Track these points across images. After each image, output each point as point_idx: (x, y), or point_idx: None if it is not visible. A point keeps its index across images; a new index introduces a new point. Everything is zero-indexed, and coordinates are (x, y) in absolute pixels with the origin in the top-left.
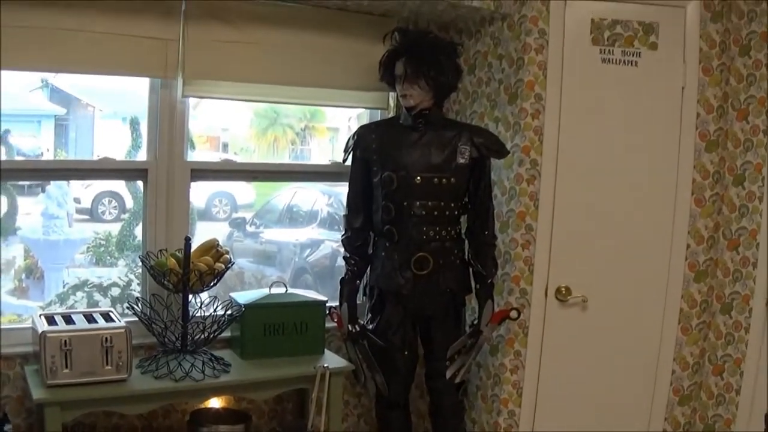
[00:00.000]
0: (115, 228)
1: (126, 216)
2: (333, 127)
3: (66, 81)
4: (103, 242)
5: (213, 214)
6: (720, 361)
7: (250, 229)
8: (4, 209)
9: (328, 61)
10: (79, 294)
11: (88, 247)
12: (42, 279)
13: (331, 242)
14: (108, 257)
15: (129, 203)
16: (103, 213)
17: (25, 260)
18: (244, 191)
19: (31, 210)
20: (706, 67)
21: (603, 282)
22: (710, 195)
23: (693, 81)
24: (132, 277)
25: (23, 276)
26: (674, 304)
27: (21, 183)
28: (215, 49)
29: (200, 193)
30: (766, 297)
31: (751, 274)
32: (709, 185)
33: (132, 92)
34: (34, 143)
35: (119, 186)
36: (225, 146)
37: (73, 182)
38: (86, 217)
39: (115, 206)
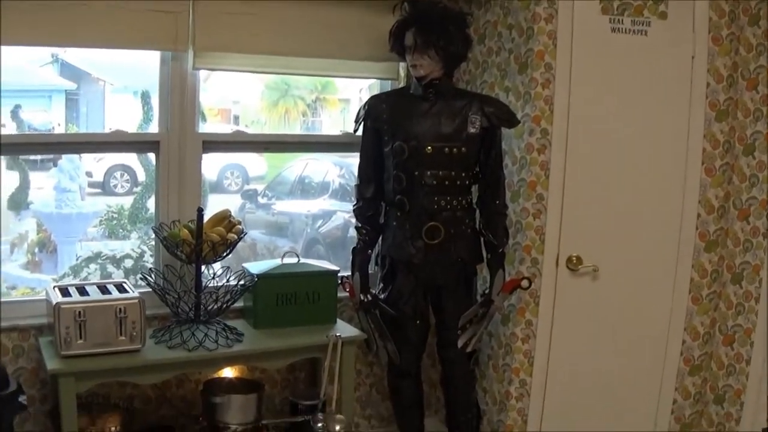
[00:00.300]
0: (127, 201)
1: (138, 189)
2: (344, 99)
3: (76, 56)
4: (115, 215)
5: (225, 186)
6: (730, 331)
7: (262, 200)
8: (17, 184)
9: (338, 32)
10: (93, 266)
11: (101, 221)
12: (55, 253)
13: (343, 213)
14: (120, 230)
15: (141, 176)
16: (115, 186)
17: (38, 234)
18: (255, 163)
19: (43, 184)
20: (716, 37)
21: (614, 251)
22: (720, 165)
23: (703, 50)
24: (145, 248)
25: (36, 250)
26: (685, 274)
27: (33, 158)
28: (225, 21)
29: (212, 165)
30: None
31: (761, 243)
32: (720, 155)
33: (142, 66)
34: (45, 118)
35: (131, 159)
36: (236, 119)
37: (85, 156)
38: (98, 190)
39: (127, 179)
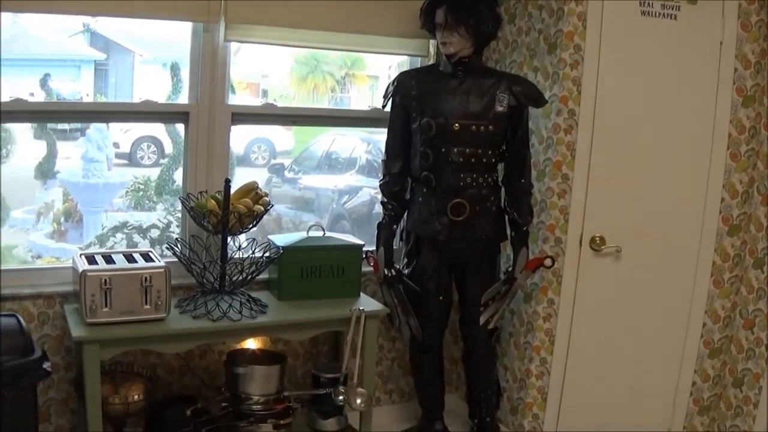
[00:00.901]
0: (154, 172)
1: (165, 161)
2: (373, 75)
3: (107, 26)
4: (141, 186)
5: (252, 160)
6: (751, 315)
7: (288, 175)
8: (44, 153)
9: (369, 8)
10: (119, 235)
11: (127, 191)
12: (80, 222)
13: (370, 189)
14: (146, 201)
15: (168, 148)
16: (142, 158)
17: (64, 204)
18: (283, 138)
19: (70, 154)
20: (745, 23)
21: (637, 233)
22: (746, 150)
23: (731, 36)
24: (171, 219)
25: (62, 219)
26: (707, 257)
27: (61, 127)
28: None
29: (239, 139)
30: None
31: None
32: (745, 140)
33: (172, 38)
34: (74, 88)
35: (158, 131)
36: (264, 93)
37: (112, 127)
38: (125, 161)
39: (154, 151)
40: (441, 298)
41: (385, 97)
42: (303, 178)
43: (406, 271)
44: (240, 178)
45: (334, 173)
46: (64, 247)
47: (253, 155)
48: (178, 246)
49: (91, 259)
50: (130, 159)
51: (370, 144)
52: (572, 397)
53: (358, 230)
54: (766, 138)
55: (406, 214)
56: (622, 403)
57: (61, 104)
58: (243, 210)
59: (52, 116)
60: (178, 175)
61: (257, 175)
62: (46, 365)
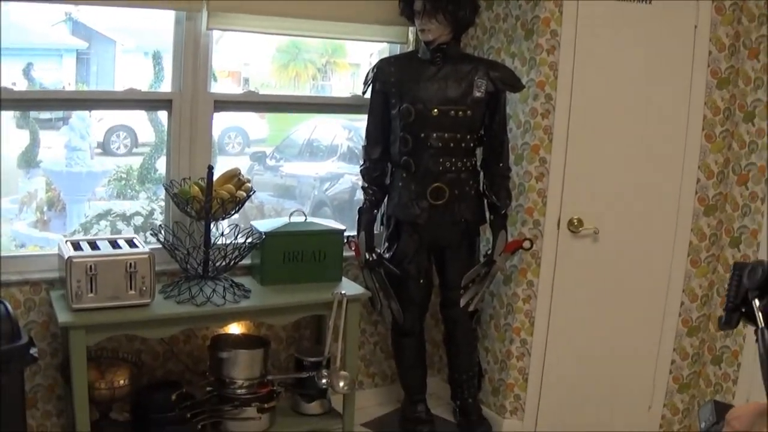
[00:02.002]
0: (136, 161)
1: (138, 150)
2: (354, 63)
3: (88, 15)
4: (124, 175)
5: (226, 148)
6: None
7: (270, 162)
8: (27, 142)
9: None
10: (103, 223)
11: (109, 180)
12: (64, 211)
13: (351, 176)
14: (129, 190)
15: (141, 137)
16: (117, 147)
17: (47, 193)
18: (256, 126)
19: (53, 143)
20: (719, 6)
21: (614, 214)
22: (720, 131)
23: (705, 20)
24: (154, 206)
25: (45, 208)
26: (684, 237)
27: (43, 117)
28: None
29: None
30: None
31: (759, 208)
32: (720, 121)
33: (154, 27)
34: (56, 77)
35: (132, 119)
36: (246, 81)
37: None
38: (99, 150)
39: (128, 140)
40: (421, 281)
41: (365, 83)
42: (285, 166)
43: (386, 255)
44: (217, 166)
45: (315, 160)
46: (48, 236)
47: (227, 143)
48: (162, 232)
49: (76, 246)
50: (104, 148)
51: (351, 131)
52: (553, 377)
53: (340, 217)
54: (741, 119)
55: (386, 198)
56: (602, 382)
57: (47, 92)
58: (226, 196)
59: (37, 104)
60: (161, 164)
61: (232, 163)
62: (33, 351)
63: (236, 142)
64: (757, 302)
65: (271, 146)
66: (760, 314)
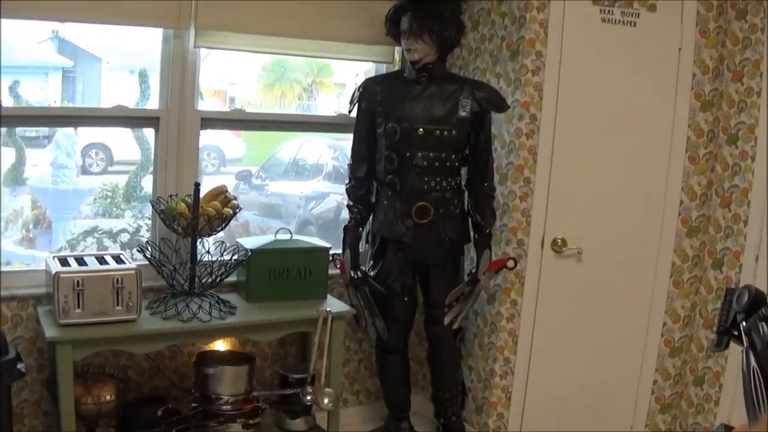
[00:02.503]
0: (121, 179)
1: (114, 168)
2: (340, 83)
3: (74, 34)
4: (109, 193)
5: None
6: (710, 315)
7: (255, 181)
8: (12, 160)
9: (335, 15)
10: (89, 240)
11: (95, 198)
12: (50, 229)
13: (336, 195)
14: (115, 208)
15: (117, 155)
16: (90, 165)
17: (32, 210)
18: (232, 145)
19: (39, 161)
20: (703, 29)
21: (598, 235)
22: (704, 153)
23: (690, 42)
24: (141, 223)
25: (31, 226)
26: (667, 258)
27: (29, 134)
28: (227, 1)
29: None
30: (756, 253)
31: (741, 230)
32: (703, 144)
33: (140, 45)
34: (42, 95)
35: (107, 137)
36: (232, 100)
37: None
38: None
39: (102, 158)
40: (406, 299)
41: (351, 102)
42: (270, 185)
43: (371, 273)
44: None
45: (301, 179)
46: (34, 254)
47: (203, 162)
48: (149, 248)
49: (63, 262)
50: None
51: (336, 150)
52: (536, 396)
53: (325, 236)
54: (724, 141)
55: (371, 217)
56: (585, 401)
57: (34, 109)
58: (212, 213)
59: (23, 121)
60: (146, 182)
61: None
62: (20, 366)
63: (212, 162)
64: (743, 324)
65: (248, 165)
66: (744, 335)
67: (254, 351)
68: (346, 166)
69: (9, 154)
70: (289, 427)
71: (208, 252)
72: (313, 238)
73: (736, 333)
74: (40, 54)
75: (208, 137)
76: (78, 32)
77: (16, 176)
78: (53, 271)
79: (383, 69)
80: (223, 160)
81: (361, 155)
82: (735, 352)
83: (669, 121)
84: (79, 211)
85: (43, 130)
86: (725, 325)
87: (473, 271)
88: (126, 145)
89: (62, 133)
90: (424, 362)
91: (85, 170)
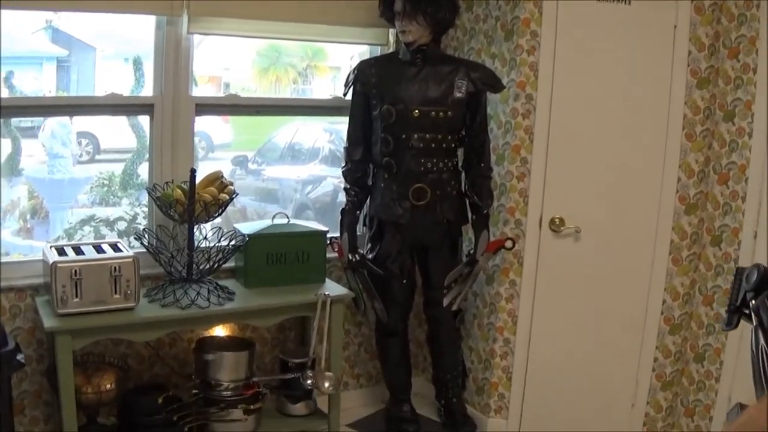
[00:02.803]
0: (118, 167)
1: (101, 157)
2: (335, 66)
3: (68, 23)
4: (106, 182)
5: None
6: (710, 292)
7: (252, 166)
8: (8, 150)
9: None
10: (87, 229)
11: (92, 187)
12: (47, 219)
13: (333, 179)
14: (111, 197)
15: (103, 144)
16: (79, 155)
17: (29, 200)
18: (220, 131)
19: (34, 151)
20: (698, 6)
21: (596, 213)
22: (701, 130)
23: (685, 19)
24: (138, 211)
25: (28, 216)
26: (665, 236)
27: (24, 125)
28: None
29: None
30: (755, 229)
31: (740, 207)
32: (700, 121)
33: (134, 33)
34: (37, 85)
35: (94, 126)
36: (227, 86)
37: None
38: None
39: (90, 147)
40: (405, 281)
41: (346, 85)
42: (266, 170)
43: (369, 256)
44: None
45: (297, 164)
46: (32, 244)
47: None
48: (146, 236)
49: (60, 251)
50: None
51: (332, 134)
52: (536, 375)
53: (322, 219)
54: (721, 118)
55: (368, 199)
56: (585, 380)
57: (28, 99)
58: (208, 199)
59: (18, 111)
60: (143, 170)
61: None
62: (20, 357)
63: (201, 147)
64: (753, 303)
65: (238, 151)
66: (753, 313)
67: (254, 336)
68: (342, 150)
69: (5, 145)
70: (290, 411)
71: (206, 238)
72: (311, 222)
73: (746, 311)
74: (34, 44)
75: (196, 123)
76: (72, 22)
77: (12, 166)
78: (50, 261)
79: (378, 51)
80: (211, 146)
81: (357, 138)
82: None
83: (665, 98)
84: (76, 200)
85: (38, 121)
86: (736, 304)
87: (471, 252)
88: (114, 133)
89: (57, 122)
90: (424, 344)
91: (72, 160)
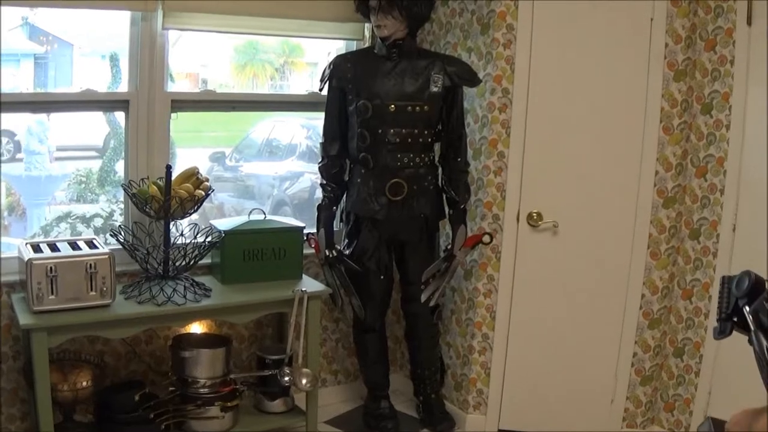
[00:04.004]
0: (95, 164)
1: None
2: (312, 62)
3: (45, 20)
4: (83, 178)
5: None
6: (689, 285)
7: (229, 163)
8: None
9: None
10: (63, 225)
11: (69, 184)
12: (24, 216)
13: (310, 174)
14: (89, 193)
15: (24, 142)
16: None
17: (7, 198)
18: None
19: (10, 147)
20: None
21: (574, 208)
22: (678, 123)
23: (661, 12)
24: (114, 208)
25: (5, 213)
26: (643, 230)
27: None
28: None
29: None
30: (733, 222)
31: (718, 200)
32: (678, 113)
33: (111, 29)
34: (14, 82)
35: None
36: (204, 82)
37: None
38: None
39: (10, 145)
40: (382, 277)
41: (321, 80)
42: (244, 166)
43: (346, 252)
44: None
45: (274, 160)
46: (9, 241)
47: None
48: (122, 233)
49: (36, 248)
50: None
51: (309, 130)
52: (515, 371)
53: (300, 215)
54: (699, 111)
55: (345, 195)
56: (564, 375)
57: (5, 95)
58: (184, 195)
59: None
60: (120, 167)
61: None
62: None
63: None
64: (747, 309)
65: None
66: (750, 318)
67: (231, 333)
68: (318, 145)
69: None
70: (268, 408)
71: (182, 234)
72: (288, 218)
73: (736, 319)
74: (11, 41)
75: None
76: (49, 18)
77: None
78: (26, 258)
79: (354, 46)
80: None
81: (333, 133)
82: (713, 322)
83: (642, 91)
84: (53, 197)
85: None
86: (727, 312)
87: (449, 247)
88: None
89: (34, 119)
90: (402, 340)
91: None
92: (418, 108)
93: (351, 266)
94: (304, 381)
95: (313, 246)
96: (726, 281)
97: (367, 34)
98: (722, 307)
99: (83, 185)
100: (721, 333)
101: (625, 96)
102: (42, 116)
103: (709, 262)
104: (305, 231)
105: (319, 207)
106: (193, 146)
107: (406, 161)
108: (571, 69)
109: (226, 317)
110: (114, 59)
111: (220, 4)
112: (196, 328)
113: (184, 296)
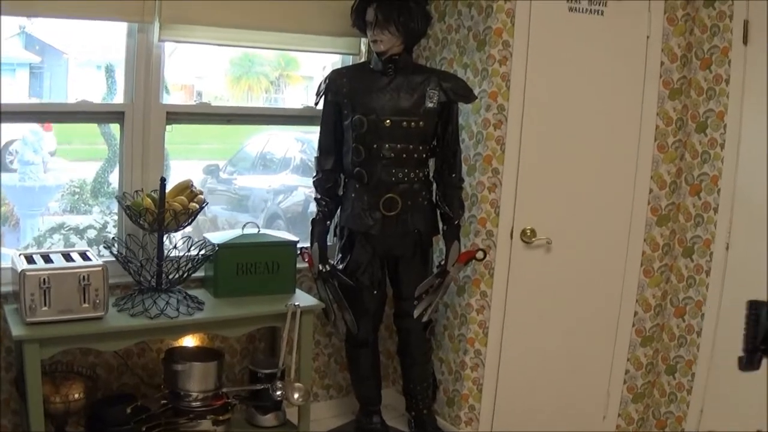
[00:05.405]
0: (89, 175)
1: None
2: (307, 76)
3: (41, 29)
4: (77, 189)
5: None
6: (681, 303)
7: (223, 176)
8: None
9: (301, 7)
10: (56, 236)
11: (63, 194)
12: (18, 226)
13: (304, 188)
14: (82, 204)
15: (29, 154)
16: (11, 162)
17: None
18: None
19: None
20: (671, 17)
21: (567, 224)
22: (673, 141)
23: (658, 30)
24: (108, 219)
25: None
26: (637, 247)
27: None
28: None
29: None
30: (727, 241)
31: (712, 218)
32: (672, 132)
33: (107, 40)
34: (9, 91)
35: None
36: (199, 94)
37: None
38: None
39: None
40: (375, 292)
41: (317, 94)
42: (238, 179)
43: (340, 266)
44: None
45: (268, 173)
46: (2, 251)
47: None
48: (115, 245)
49: (29, 259)
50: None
51: (304, 144)
52: (507, 387)
53: (294, 229)
54: (693, 129)
55: (339, 209)
56: (557, 392)
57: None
58: (178, 208)
59: None
60: (114, 178)
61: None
62: None
63: None
64: None
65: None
66: None
67: (223, 347)
68: (313, 159)
69: None
70: (260, 422)
71: (175, 247)
72: (282, 231)
73: (763, 347)
74: (7, 50)
75: None
76: (45, 28)
77: None
78: (19, 269)
79: (350, 61)
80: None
81: (328, 147)
82: (705, 338)
83: (637, 109)
84: (47, 207)
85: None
86: (755, 343)
87: (442, 262)
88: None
89: (29, 129)
90: (395, 355)
91: (5, 167)
92: (413, 123)
93: (344, 281)
94: (296, 395)
95: (306, 260)
96: (754, 308)
97: (363, 48)
98: (749, 337)
99: (77, 196)
100: (749, 364)
101: (620, 113)
102: (36, 126)
103: (702, 281)
104: (299, 245)
105: (312, 221)
106: (187, 158)
107: (400, 176)
108: (566, 86)
109: (218, 331)
110: (109, 70)
111: (217, 17)
112: (189, 341)
113: (177, 309)
